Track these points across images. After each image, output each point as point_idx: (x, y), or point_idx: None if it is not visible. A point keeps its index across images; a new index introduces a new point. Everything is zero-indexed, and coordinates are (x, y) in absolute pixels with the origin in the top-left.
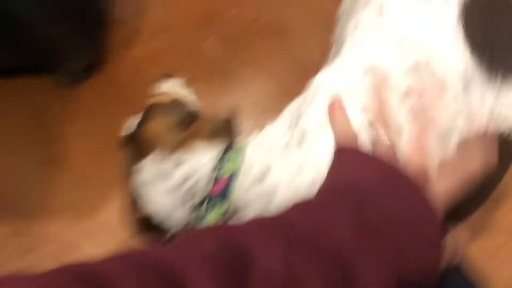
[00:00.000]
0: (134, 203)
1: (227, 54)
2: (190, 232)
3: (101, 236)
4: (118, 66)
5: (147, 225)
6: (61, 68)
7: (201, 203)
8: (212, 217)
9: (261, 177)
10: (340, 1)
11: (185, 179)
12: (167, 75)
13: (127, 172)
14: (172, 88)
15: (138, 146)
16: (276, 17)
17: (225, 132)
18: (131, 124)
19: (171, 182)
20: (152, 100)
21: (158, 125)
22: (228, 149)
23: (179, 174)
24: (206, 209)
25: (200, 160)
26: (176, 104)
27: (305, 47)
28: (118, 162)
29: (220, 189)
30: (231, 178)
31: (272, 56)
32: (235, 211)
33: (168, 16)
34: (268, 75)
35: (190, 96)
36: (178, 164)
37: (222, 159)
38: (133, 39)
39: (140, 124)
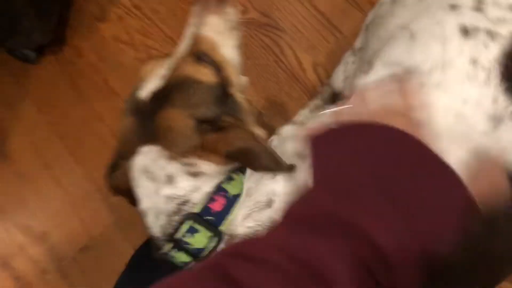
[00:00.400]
0: (118, 172)
1: None
2: None
3: None
4: (87, 43)
5: (123, 195)
6: (17, 41)
7: (187, 219)
8: (196, 240)
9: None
10: None
11: (186, 193)
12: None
13: (122, 142)
14: (215, 42)
15: (145, 124)
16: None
17: (262, 165)
18: (147, 85)
19: (170, 190)
20: (183, 66)
21: (182, 117)
22: (239, 168)
23: (182, 185)
24: (191, 228)
25: (209, 180)
26: (216, 86)
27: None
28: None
29: (216, 208)
30: (231, 199)
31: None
32: (226, 238)
33: None
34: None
35: (235, 62)
36: (188, 174)
37: (229, 177)
38: (105, 14)
39: (159, 99)
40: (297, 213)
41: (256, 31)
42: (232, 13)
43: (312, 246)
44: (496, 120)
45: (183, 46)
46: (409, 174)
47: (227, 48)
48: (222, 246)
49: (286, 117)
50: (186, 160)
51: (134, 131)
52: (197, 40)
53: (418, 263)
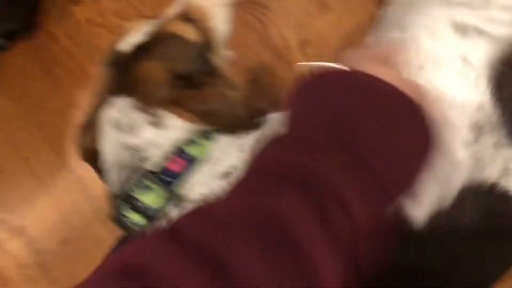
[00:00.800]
0: (88, 130)
1: None
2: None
3: None
4: (61, 28)
5: (89, 158)
6: None
7: (143, 176)
8: (149, 199)
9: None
10: None
11: (146, 145)
12: None
13: (98, 95)
14: (206, 12)
15: (122, 75)
16: None
17: (237, 125)
18: (129, 39)
19: (131, 140)
20: (169, 25)
21: (159, 70)
22: (205, 134)
23: (145, 136)
24: (146, 185)
25: (173, 135)
26: (198, 46)
27: None
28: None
29: (174, 168)
30: (190, 163)
31: None
32: (181, 201)
33: None
34: None
35: (222, 36)
36: (152, 124)
37: (192, 140)
38: None
39: (139, 51)
40: (257, 164)
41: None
42: None
43: (272, 201)
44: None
45: (172, 10)
46: (369, 114)
47: (217, 21)
48: (178, 209)
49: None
50: (153, 111)
51: (110, 82)
52: (188, 7)
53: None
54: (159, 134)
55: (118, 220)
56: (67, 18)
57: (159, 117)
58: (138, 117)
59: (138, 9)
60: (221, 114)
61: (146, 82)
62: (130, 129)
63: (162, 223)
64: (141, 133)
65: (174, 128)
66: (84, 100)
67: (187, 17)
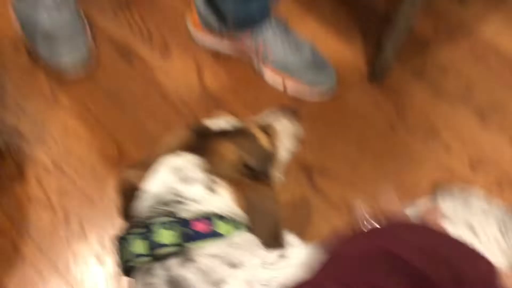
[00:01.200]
0: (139, 168)
1: None
2: None
3: None
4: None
5: (125, 190)
6: None
7: (171, 217)
8: (163, 235)
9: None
10: None
11: (191, 199)
12: (288, 108)
13: (166, 147)
14: (278, 134)
15: (200, 141)
16: None
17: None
18: (217, 122)
19: (181, 188)
20: (251, 126)
21: (233, 153)
22: (238, 220)
23: (195, 191)
24: (168, 225)
25: (216, 203)
26: (266, 152)
27: None
28: None
29: (198, 228)
30: (213, 233)
31: None
32: (185, 255)
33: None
34: None
35: (281, 158)
36: (206, 186)
37: (226, 217)
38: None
39: (223, 133)
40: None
41: None
42: (298, 127)
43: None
44: None
45: (257, 119)
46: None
47: (282, 145)
48: (177, 259)
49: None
50: (213, 177)
51: (185, 141)
52: (267, 124)
53: None
54: (206, 196)
55: (121, 240)
56: (7, 195)
57: (215, 184)
58: (198, 175)
59: (80, 187)
60: (262, 215)
61: (219, 157)
62: (186, 180)
63: (152, 267)
64: (193, 188)
65: (221, 199)
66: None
67: (265, 129)
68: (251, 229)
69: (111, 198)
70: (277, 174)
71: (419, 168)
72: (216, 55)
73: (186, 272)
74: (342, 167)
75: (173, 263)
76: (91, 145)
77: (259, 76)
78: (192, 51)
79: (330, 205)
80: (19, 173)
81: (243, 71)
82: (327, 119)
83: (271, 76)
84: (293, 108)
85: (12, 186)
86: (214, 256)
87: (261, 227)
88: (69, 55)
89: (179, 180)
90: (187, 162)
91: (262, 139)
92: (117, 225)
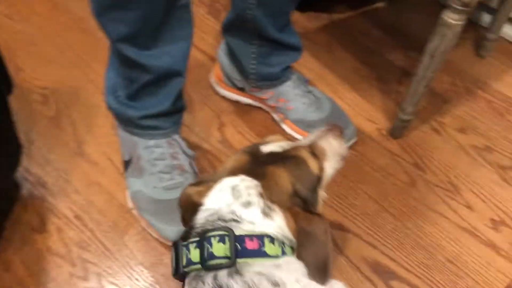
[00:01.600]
0: (198, 185)
1: None
2: None
3: None
4: (18, 256)
5: (186, 204)
6: None
7: (228, 231)
8: (218, 248)
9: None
10: None
11: (246, 219)
12: (336, 127)
13: (225, 170)
14: (325, 154)
15: (254, 164)
16: None
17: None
18: (269, 145)
19: (237, 208)
20: (299, 149)
21: (287, 180)
22: (286, 245)
23: (251, 214)
24: (224, 238)
25: (269, 228)
26: (315, 177)
27: None
28: None
29: (248, 246)
30: (260, 252)
31: None
32: (233, 272)
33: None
34: None
35: (327, 178)
36: (262, 210)
37: (277, 240)
38: (44, 225)
39: (274, 156)
40: None
41: None
42: (345, 146)
43: None
44: None
45: (304, 140)
46: None
47: (329, 165)
48: (226, 270)
49: None
50: (269, 203)
51: (243, 163)
52: (314, 144)
53: None
54: (260, 220)
55: (179, 244)
56: (28, 246)
57: (270, 209)
58: (254, 199)
59: (101, 240)
60: (314, 246)
61: (274, 183)
62: (243, 202)
63: (203, 275)
64: (250, 210)
65: (274, 224)
66: None
67: (312, 150)
68: (300, 256)
69: (130, 249)
70: (322, 193)
71: (440, 228)
72: (237, 107)
73: (233, 284)
74: (361, 223)
75: (222, 274)
76: (112, 198)
77: (280, 127)
78: (214, 103)
79: (347, 263)
80: (41, 224)
81: (264, 122)
82: (347, 174)
83: (291, 132)
84: (340, 128)
85: (33, 237)
86: (260, 273)
87: (311, 257)
88: None
89: (237, 201)
90: (245, 185)
91: (312, 164)
92: (134, 277)
